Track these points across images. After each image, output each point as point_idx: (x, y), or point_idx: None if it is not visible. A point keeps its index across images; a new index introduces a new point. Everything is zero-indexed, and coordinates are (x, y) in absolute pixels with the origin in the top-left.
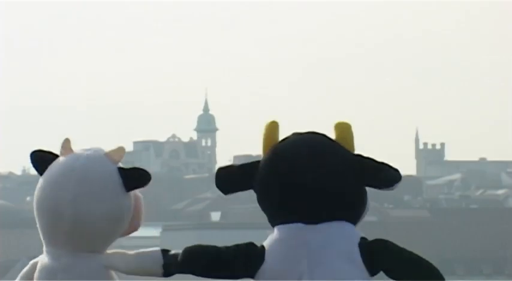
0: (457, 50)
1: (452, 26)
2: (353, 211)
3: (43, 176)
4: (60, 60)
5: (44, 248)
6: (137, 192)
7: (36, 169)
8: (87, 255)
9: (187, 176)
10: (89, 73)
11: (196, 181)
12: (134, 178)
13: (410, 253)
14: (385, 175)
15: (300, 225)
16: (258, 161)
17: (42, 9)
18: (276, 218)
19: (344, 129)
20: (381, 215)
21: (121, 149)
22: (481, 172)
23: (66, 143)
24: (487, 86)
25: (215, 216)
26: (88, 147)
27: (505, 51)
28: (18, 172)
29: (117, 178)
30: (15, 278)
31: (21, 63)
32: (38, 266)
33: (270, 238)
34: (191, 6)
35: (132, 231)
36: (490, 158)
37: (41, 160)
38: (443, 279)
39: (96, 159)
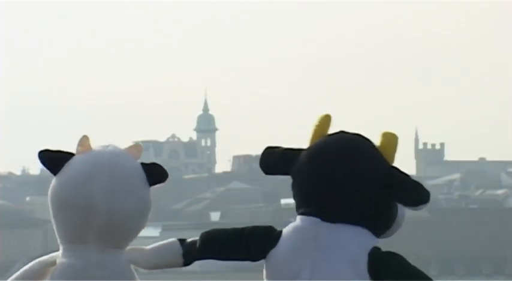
0: (456, 50)
1: (452, 26)
2: (374, 219)
3: (61, 174)
4: (59, 60)
5: (64, 247)
6: None
7: (50, 169)
8: (114, 251)
9: (186, 176)
10: (89, 73)
11: (196, 180)
12: (156, 173)
13: (419, 271)
14: (414, 195)
15: (316, 219)
16: (302, 150)
17: (42, 9)
18: (299, 207)
19: (389, 139)
20: None
21: (139, 146)
22: (480, 172)
23: (85, 140)
24: (487, 86)
25: (215, 216)
26: (99, 144)
27: (505, 51)
28: (18, 172)
29: (142, 173)
30: None
31: (21, 63)
32: (58, 265)
33: (290, 225)
34: (191, 6)
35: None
36: (489, 158)
37: (55, 159)
38: None
39: (122, 155)
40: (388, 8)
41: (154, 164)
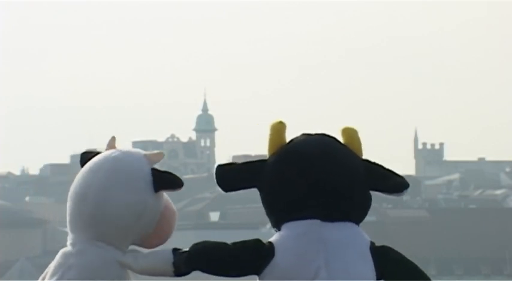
0: (456, 50)
1: (452, 26)
2: (361, 213)
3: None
4: (59, 61)
5: (68, 236)
6: (172, 205)
7: (82, 166)
8: (102, 245)
9: (186, 176)
10: (89, 73)
11: (195, 180)
12: (164, 179)
13: (410, 262)
14: (394, 182)
15: (317, 221)
16: (264, 160)
17: (42, 10)
18: (289, 214)
19: (351, 134)
20: (380, 215)
21: (160, 154)
22: (479, 171)
23: (112, 141)
24: (486, 86)
25: (214, 216)
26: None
27: (505, 51)
28: (17, 172)
29: (147, 176)
30: (13, 278)
31: (21, 63)
32: (59, 253)
33: (279, 234)
34: (190, 7)
35: (157, 242)
36: (488, 158)
37: (87, 157)
38: None
39: (132, 155)
40: (387, 8)
41: (167, 172)
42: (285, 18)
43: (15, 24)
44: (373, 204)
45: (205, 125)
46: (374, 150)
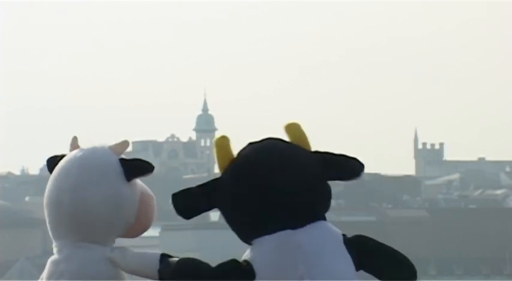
0: (456, 50)
1: (452, 25)
2: (325, 206)
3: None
4: (59, 61)
5: (53, 245)
6: (149, 190)
7: (49, 171)
8: (88, 245)
9: (186, 176)
10: (88, 74)
11: (195, 181)
12: (133, 167)
13: (389, 248)
14: (351, 167)
15: (288, 231)
16: (216, 179)
17: (42, 10)
18: (257, 230)
19: (295, 129)
20: (380, 215)
21: (125, 142)
22: (479, 171)
23: (74, 141)
24: (486, 86)
25: (214, 216)
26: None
27: (505, 51)
28: (17, 172)
29: (117, 167)
30: (13, 278)
31: (21, 63)
32: (47, 264)
33: (253, 251)
34: (190, 7)
35: (141, 230)
36: (488, 158)
37: (53, 162)
38: (416, 277)
39: (97, 150)
40: (387, 7)
41: (135, 159)
42: (285, 18)
43: (15, 24)
44: (373, 204)
45: (205, 125)
46: (374, 150)
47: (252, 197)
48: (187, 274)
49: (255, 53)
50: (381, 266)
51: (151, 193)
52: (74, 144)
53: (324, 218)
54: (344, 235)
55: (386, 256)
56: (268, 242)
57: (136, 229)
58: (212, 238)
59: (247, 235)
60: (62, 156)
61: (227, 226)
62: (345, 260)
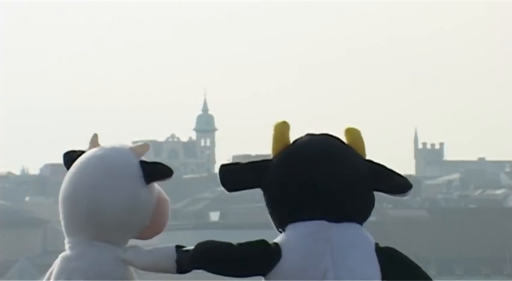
0: (456, 50)
1: (452, 26)
2: (365, 214)
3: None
4: (59, 61)
5: (65, 241)
6: (164, 194)
7: (66, 167)
8: (102, 245)
9: (186, 176)
10: (88, 74)
11: (195, 180)
12: (153, 170)
13: (413, 263)
14: (398, 183)
15: (323, 222)
16: (268, 160)
17: (42, 10)
18: (294, 216)
19: (355, 135)
20: (380, 215)
21: (145, 146)
22: (479, 171)
23: (94, 138)
24: (486, 86)
25: (214, 216)
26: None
27: (505, 51)
28: (17, 172)
29: (137, 170)
30: (13, 278)
31: (21, 63)
32: (57, 259)
33: (285, 235)
34: (190, 7)
35: (155, 232)
36: (488, 158)
37: (71, 158)
38: None
39: (118, 150)
40: (388, 8)
41: (155, 163)
42: (285, 18)
43: (15, 24)
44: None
45: (205, 125)
46: (374, 150)
47: (296, 183)
48: (209, 256)
49: (255, 53)
50: (404, 278)
51: (166, 196)
52: (94, 142)
53: (361, 224)
54: (377, 244)
55: (410, 269)
56: (302, 229)
57: (150, 231)
58: (212, 238)
59: (284, 219)
60: (80, 152)
61: (227, 226)
62: (373, 265)
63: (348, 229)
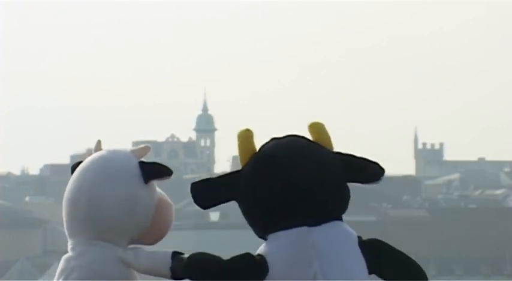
0: (456, 50)
1: (452, 26)
2: (342, 207)
3: None
4: (59, 61)
5: (68, 243)
6: (167, 198)
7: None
8: (102, 244)
9: (186, 176)
10: (88, 74)
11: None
12: (151, 169)
13: (401, 253)
14: (371, 170)
15: (305, 228)
16: (238, 171)
17: (41, 10)
18: (273, 225)
19: (319, 129)
20: (380, 215)
21: (146, 148)
22: (479, 171)
23: (98, 145)
24: (486, 86)
25: (214, 216)
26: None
27: (505, 51)
28: (17, 172)
29: (135, 169)
30: (13, 278)
31: (21, 63)
32: (61, 261)
33: (268, 246)
34: (190, 7)
35: (158, 235)
36: (488, 158)
37: (77, 166)
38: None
39: (118, 152)
40: (388, 8)
41: (154, 163)
42: (285, 18)
43: (15, 24)
44: (373, 204)
45: (205, 125)
46: (374, 150)
47: (271, 191)
48: (200, 268)
49: (255, 53)
50: (391, 269)
51: (169, 200)
52: (98, 148)
53: (341, 219)
54: (359, 237)
55: (398, 261)
56: (284, 238)
57: (152, 233)
58: (212, 238)
59: (263, 229)
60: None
61: (227, 226)
62: (359, 261)
63: (330, 229)
